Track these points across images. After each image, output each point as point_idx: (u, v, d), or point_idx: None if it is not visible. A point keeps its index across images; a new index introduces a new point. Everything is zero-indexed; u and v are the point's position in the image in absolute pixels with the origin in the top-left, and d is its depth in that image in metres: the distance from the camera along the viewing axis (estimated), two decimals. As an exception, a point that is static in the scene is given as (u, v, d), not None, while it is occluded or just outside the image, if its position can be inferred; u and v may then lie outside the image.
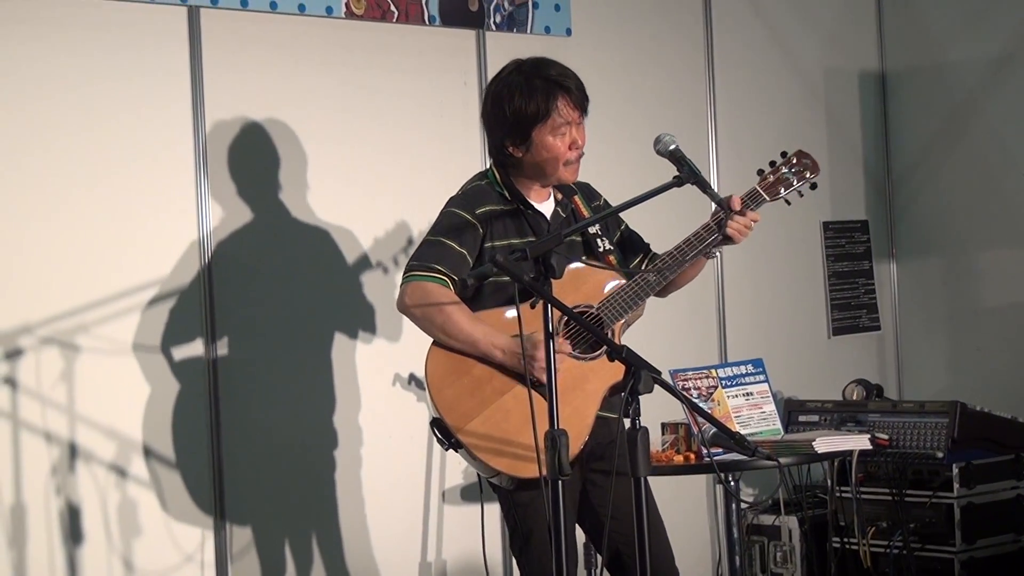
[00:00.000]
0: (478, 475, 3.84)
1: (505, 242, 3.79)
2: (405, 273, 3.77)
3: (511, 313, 3.69)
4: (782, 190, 3.91)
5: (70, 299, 4.54)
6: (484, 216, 3.80)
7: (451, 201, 3.87)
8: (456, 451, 3.72)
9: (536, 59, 3.85)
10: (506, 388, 3.70)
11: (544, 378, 3.49)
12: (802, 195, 3.96)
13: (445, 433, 3.69)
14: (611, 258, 3.91)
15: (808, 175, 3.93)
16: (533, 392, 3.51)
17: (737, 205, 3.84)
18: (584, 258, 3.86)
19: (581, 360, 3.74)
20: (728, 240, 3.84)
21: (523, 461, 3.62)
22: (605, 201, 4.04)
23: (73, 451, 4.53)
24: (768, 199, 3.89)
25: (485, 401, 3.69)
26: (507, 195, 3.86)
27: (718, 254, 3.99)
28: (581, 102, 3.81)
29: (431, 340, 3.76)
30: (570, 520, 3.80)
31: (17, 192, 4.47)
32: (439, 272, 3.71)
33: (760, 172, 3.93)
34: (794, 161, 3.93)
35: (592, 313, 3.76)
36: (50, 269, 4.51)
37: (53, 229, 4.53)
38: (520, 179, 3.87)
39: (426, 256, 3.75)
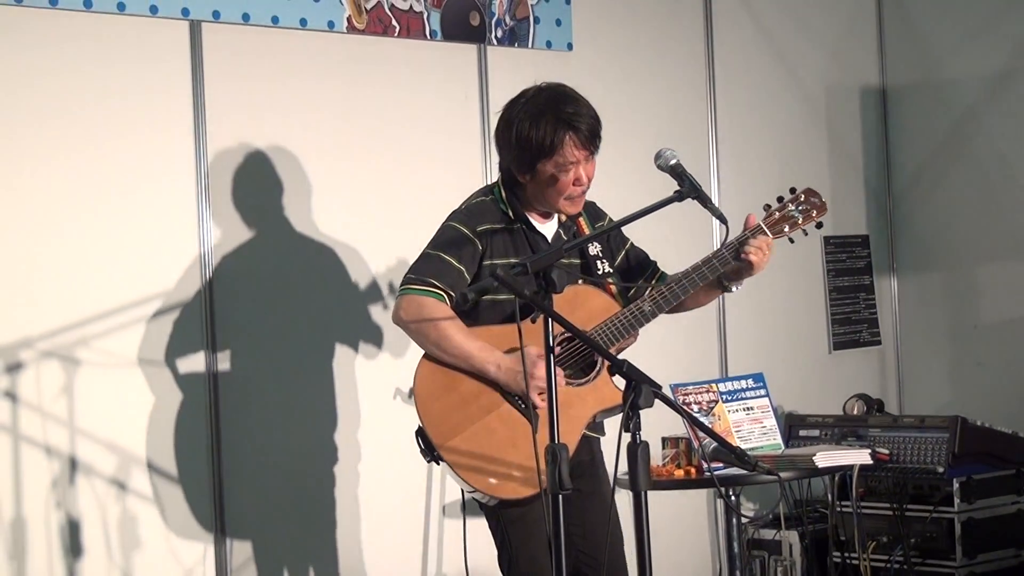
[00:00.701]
0: (462, 491, 3.84)
1: (504, 260, 3.77)
2: (402, 286, 3.76)
3: (506, 329, 3.69)
4: (786, 228, 3.89)
5: (71, 312, 4.54)
6: (484, 233, 3.79)
7: (453, 215, 3.86)
8: (438, 464, 3.72)
9: (556, 91, 3.78)
10: (493, 407, 3.69)
11: (538, 398, 3.55)
12: (807, 234, 3.95)
13: (428, 446, 3.69)
14: (610, 282, 3.88)
15: (815, 214, 3.91)
16: (521, 413, 3.53)
17: (754, 222, 3.82)
18: (581, 280, 3.84)
19: (569, 385, 3.72)
20: (747, 266, 3.80)
21: (504, 481, 3.62)
22: (610, 220, 3.98)
23: (73, 465, 4.52)
24: (771, 236, 3.85)
25: (471, 418, 3.68)
26: (510, 214, 3.84)
27: (736, 289, 3.90)
28: (590, 142, 3.74)
29: (423, 352, 3.76)
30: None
31: (18, 206, 4.47)
32: (436, 287, 3.70)
33: (767, 207, 3.90)
34: (802, 199, 3.92)
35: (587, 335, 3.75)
36: (51, 283, 4.51)
37: (53, 242, 4.53)
38: (524, 201, 3.85)
39: (423, 270, 3.73)
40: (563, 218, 3.90)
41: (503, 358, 3.66)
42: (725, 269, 3.82)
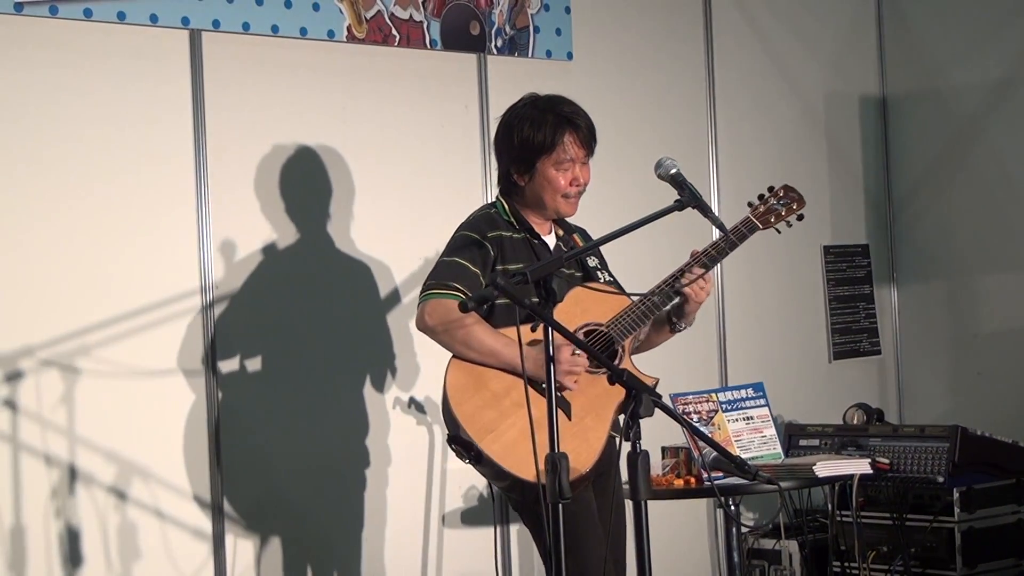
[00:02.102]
0: (491, 492, 3.88)
1: (516, 265, 3.86)
2: (423, 292, 3.87)
3: (526, 329, 3.72)
4: (772, 219, 4.10)
5: (71, 321, 4.54)
6: (494, 239, 3.92)
7: (462, 226, 3.99)
8: (477, 464, 3.76)
9: (552, 95, 4.00)
10: (525, 400, 3.71)
11: (568, 381, 3.69)
12: (790, 225, 4.14)
13: (466, 446, 3.72)
14: (612, 290, 3.99)
15: (795, 207, 4.14)
16: (549, 396, 3.55)
17: (696, 255, 3.97)
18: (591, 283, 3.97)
19: (594, 373, 3.80)
20: (684, 301, 3.93)
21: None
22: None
23: (73, 474, 4.52)
24: (761, 227, 4.07)
25: (505, 413, 3.75)
26: (515, 223, 3.97)
27: (683, 327, 4.05)
28: (588, 142, 3.95)
29: (450, 355, 3.84)
30: (595, 525, 3.82)
31: (18, 213, 4.48)
32: (456, 290, 3.81)
33: (750, 204, 4.10)
34: (781, 194, 4.13)
35: (602, 331, 3.84)
36: (51, 291, 4.51)
37: (53, 251, 4.53)
38: (524, 209, 4.00)
39: (443, 275, 3.85)
40: (560, 232, 4.05)
41: (529, 349, 3.68)
42: (667, 305, 3.94)
